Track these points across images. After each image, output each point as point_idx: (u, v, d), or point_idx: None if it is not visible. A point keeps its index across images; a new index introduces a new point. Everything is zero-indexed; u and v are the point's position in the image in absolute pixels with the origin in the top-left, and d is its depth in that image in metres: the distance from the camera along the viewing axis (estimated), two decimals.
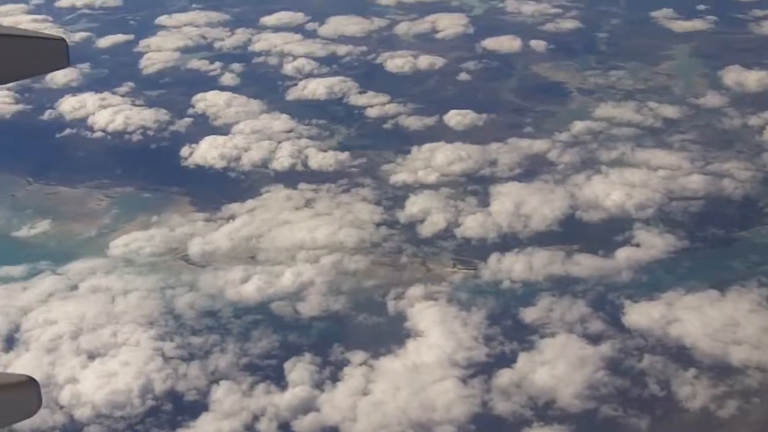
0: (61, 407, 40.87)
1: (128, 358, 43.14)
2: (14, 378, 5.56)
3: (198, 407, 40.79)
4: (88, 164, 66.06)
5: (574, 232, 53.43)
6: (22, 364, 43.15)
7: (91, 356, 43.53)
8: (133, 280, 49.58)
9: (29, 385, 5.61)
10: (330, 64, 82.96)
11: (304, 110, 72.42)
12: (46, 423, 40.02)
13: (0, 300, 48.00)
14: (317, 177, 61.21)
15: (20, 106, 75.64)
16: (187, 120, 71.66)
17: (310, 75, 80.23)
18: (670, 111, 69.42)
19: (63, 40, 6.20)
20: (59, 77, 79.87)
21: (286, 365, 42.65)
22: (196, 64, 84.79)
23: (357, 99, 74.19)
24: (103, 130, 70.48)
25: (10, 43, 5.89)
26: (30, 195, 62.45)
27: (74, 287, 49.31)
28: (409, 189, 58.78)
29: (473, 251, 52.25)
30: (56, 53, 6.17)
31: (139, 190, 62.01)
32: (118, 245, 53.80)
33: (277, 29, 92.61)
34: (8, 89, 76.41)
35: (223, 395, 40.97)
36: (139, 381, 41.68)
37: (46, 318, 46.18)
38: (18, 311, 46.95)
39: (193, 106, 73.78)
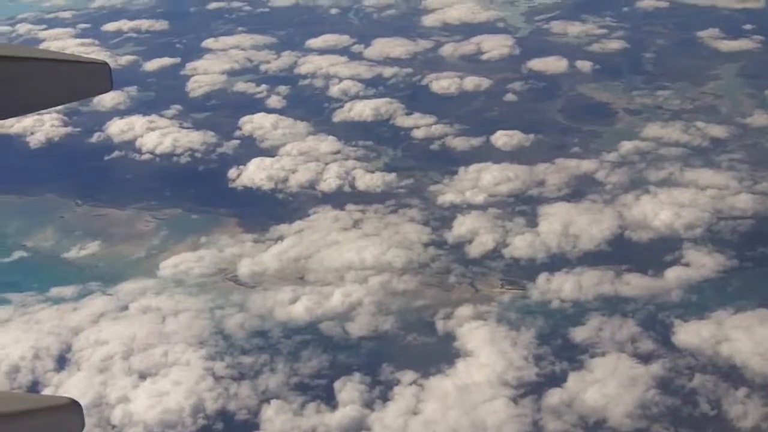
0: (113, 427, 41.15)
1: (179, 377, 43.32)
2: (56, 400, 5.41)
3: (249, 426, 40.92)
4: (137, 186, 66.47)
5: (623, 252, 53.20)
6: (73, 383, 43.54)
7: (143, 376, 43.77)
8: (183, 301, 49.86)
9: (71, 407, 5.42)
10: (376, 85, 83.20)
11: (350, 132, 72.66)
12: None
13: (51, 320, 48.34)
14: (365, 198, 61.35)
15: (68, 129, 76.32)
16: (235, 142, 72.07)
17: (356, 97, 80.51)
18: (718, 131, 69.04)
19: (106, 64, 6.15)
20: (107, 100, 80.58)
21: (336, 385, 42.69)
22: (243, 86, 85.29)
23: (403, 120, 74.35)
24: (152, 153, 70.95)
25: (54, 67, 5.89)
26: (79, 217, 62.99)
27: (124, 308, 49.64)
28: (456, 209, 58.80)
29: (522, 271, 52.15)
30: (100, 77, 6.15)
31: (187, 211, 62.36)
32: (168, 266, 54.16)
33: (322, 51, 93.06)
34: (56, 112, 77.17)
35: (273, 414, 41.05)
36: (191, 400, 41.86)
37: (97, 338, 46.49)
38: (69, 331, 47.29)
39: (240, 128, 74.19)
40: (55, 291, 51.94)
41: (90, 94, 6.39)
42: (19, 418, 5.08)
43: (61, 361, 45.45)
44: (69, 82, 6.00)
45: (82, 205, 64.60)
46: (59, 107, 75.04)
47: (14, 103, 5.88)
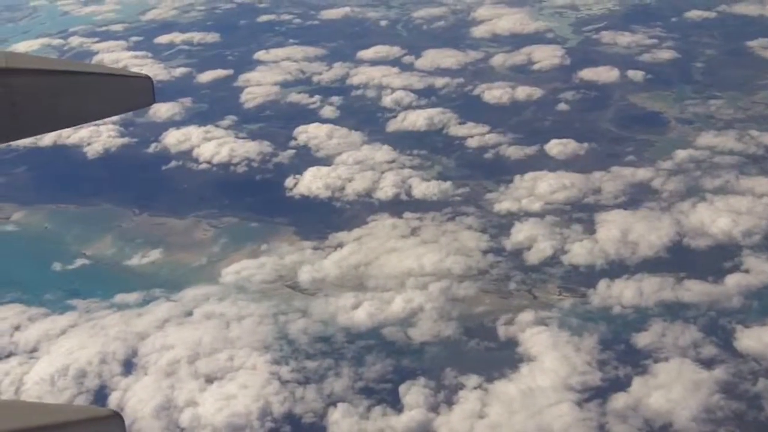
0: (182, 429, 41.66)
1: (246, 381, 43.81)
2: (99, 412, 5.63)
3: (316, 429, 41.36)
4: (194, 195, 67.13)
5: (682, 259, 53.32)
6: (141, 387, 44.08)
7: (209, 380, 44.28)
8: (246, 307, 50.39)
9: (114, 419, 5.63)
10: (428, 95, 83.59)
11: (404, 141, 73.09)
12: None
13: (117, 326, 49.00)
14: (421, 206, 61.73)
15: (125, 140, 77.15)
16: (290, 152, 72.66)
17: (409, 107, 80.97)
18: None
19: (149, 78, 6.40)
20: (162, 111, 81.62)
21: (401, 388, 43.09)
22: (296, 97, 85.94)
23: (457, 129, 74.77)
24: (209, 162, 71.65)
25: (98, 81, 6.15)
26: (137, 226, 63.66)
27: (189, 313, 50.23)
28: (513, 217, 59.11)
29: (581, 278, 52.35)
30: (142, 91, 6.38)
31: (244, 220, 62.93)
32: (230, 273, 54.76)
33: (374, 63, 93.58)
34: (113, 123, 77.99)
35: (340, 417, 41.47)
36: (258, 404, 42.34)
37: (163, 343, 47.10)
38: (135, 336, 47.93)
39: (295, 138, 74.81)
40: (119, 297, 52.65)
41: (133, 108, 6.61)
42: (62, 428, 5.32)
43: (128, 366, 46.08)
44: (113, 95, 6.28)
45: (140, 214, 65.21)
46: (114, 118, 76.14)
47: (60, 116, 6.21)
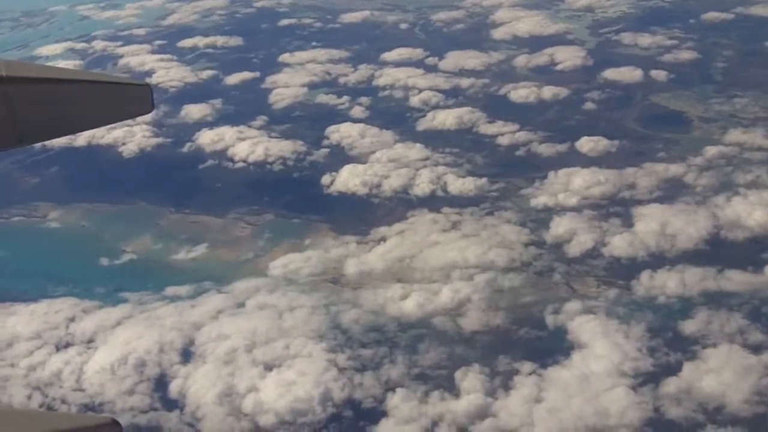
0: (245, 415, 42.53)
1: (304, 368, 44.70)
2: (96, 420, 5.64)
3: (376, 414, 42.25)
4: (230, 194, 68.05)
5: (720, 251, 54.29)
6: (201, 375, 44.97)
7: (268, 367, 45.18)
8: (297, 298, 51.36)
9: (111, 428, 5.67)
10: (455, 95, 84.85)
11: (435, 139, 74.20)
12: (233, 430, 41.85)
13: (171, 317, 49.91)
14: (459, 201, 62.80)
15: (159, 140, 78.17)
16: (324, 150, 73.77)
17: (436, 106, 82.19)
18: None
19: (148, 85, 6.58)
20: (194, 112, 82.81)
21: (457, 374, 43.96)
22: (324, 98, 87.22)
23: (486, 128, 75.86)
24: (244, 161, 72.67)
25: (98, 89, 6.37)
26: (175, 223, 64.58)
27: (241, 305, 51.20)
28: (551, 211, 60.17)
29: (622, 269, 53.29)
30: (142, 98, 6.57)
31: (283, 217, 63.89)
32: (277, 266, 55.84)
33: (398, 64, 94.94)
34: (145, 123, 78.91)
35: (400, 402, 42.37)
36: (318, 390, 43.23)
37: (219, 333, 48.04)
38: (191, 327, 48.84)
39: (328, 138, 75.92)
40: (170, 290, 53.66)
41: (133, 115, 6.80)
42: None
43: (186, 355, 47.02)
44: (112, 103, 6.51)
45: (176, 212, 66.10)
46: (146, 119, 77.02)
47: (60, 124, 6.45)
